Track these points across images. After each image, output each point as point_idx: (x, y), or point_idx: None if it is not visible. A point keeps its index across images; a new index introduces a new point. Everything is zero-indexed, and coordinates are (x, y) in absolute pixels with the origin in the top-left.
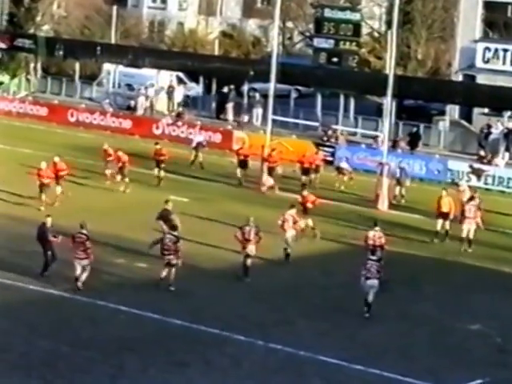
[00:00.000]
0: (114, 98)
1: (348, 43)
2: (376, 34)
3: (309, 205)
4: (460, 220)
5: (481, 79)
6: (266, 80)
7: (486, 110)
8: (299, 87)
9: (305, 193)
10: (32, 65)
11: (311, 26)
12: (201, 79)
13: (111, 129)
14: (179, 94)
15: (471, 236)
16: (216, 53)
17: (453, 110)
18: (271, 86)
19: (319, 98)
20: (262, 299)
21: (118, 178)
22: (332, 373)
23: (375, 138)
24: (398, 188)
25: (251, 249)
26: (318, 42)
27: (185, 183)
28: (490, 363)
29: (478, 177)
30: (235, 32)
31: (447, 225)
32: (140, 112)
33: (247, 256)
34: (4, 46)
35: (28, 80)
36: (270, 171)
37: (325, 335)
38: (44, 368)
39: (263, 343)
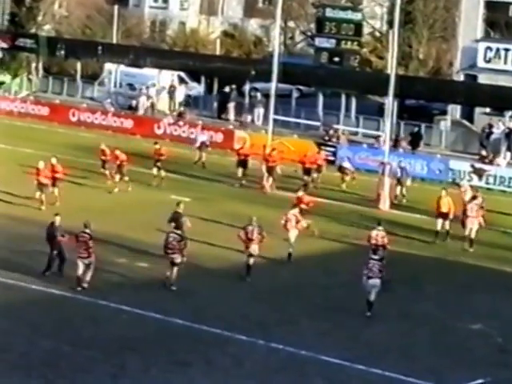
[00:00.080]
0: (115, 98)
1: (349, 43)
2: (377, 34)
3: (303, 206)
4: (462, 219)
5: (482, 79)
6: (268, 80)
7: (488, 110)
8: (301, 87)
9: (300, 193)
10: (33, 64)
11: (313, 25)
12: (202, 79)
13: (113, 128)
14: (181, 94)
15: (473, 235)
16: (217, 52)
17: (454, 110)
18: (273, 86)
19: (321, 98)
20: (263, 299)
21: (117, 177)
22: (334, 372)
23: (377, 137)
24: (398, 188)
25: (254, 248)
26: (320, 42)
27: (186, 183)
28: (491, 363)
29: (480, 176)
30: (237, 32)
31: (447, 225)
32: (141, 112)
33: (250, 256)
34: (5, 46)
35: (29, 80)
36: (270, 171)
37: (327, 335)
38: (45, 367)
39: (265, 343)
